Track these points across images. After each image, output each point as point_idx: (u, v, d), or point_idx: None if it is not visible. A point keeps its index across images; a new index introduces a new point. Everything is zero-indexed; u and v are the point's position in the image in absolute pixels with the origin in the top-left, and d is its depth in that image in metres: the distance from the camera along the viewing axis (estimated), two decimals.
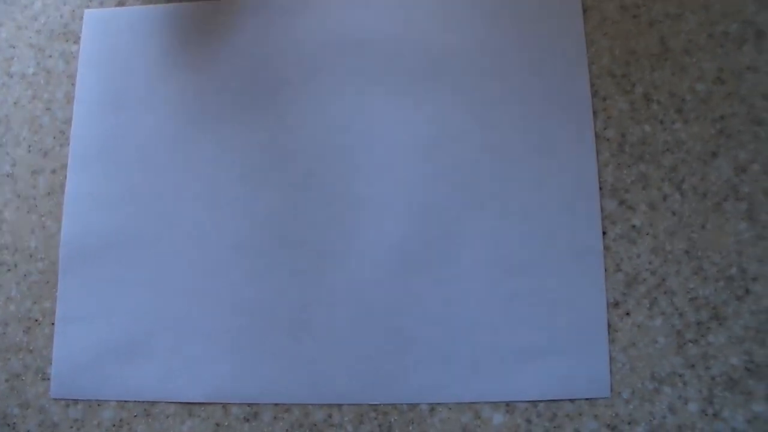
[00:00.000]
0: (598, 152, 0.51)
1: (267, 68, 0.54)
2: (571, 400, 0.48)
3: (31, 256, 0.53)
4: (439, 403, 0.48)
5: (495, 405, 0.48)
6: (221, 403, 0.49)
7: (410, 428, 0.48)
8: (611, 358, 0.48)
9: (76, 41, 0.56)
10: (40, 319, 0.52)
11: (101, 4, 0.57)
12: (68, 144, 0.54)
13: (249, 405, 0.49)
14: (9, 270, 0.53)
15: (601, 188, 0.51)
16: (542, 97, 0.52)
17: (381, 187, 0.51)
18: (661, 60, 0.52)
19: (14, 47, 0.56)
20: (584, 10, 0.53)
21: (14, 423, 0.50)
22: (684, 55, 0.52)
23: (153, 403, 0.50)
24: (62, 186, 0.54)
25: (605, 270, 0.49)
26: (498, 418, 0.48)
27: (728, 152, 0.50)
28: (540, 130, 0.51)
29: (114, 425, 0.50)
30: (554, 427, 0.48)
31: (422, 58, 0.53)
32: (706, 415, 0.47)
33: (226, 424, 0.49)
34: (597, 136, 0.51)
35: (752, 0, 0.52)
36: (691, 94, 0.51)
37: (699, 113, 0.51)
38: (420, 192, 0.51)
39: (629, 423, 0.47)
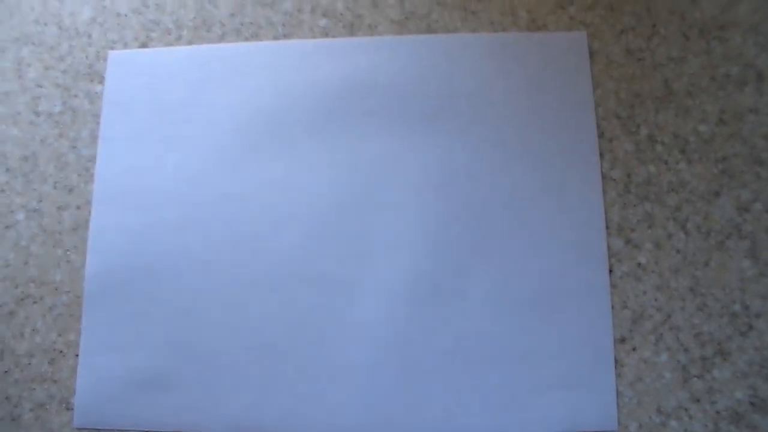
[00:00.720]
0: (604, 192, 0.53)
1: (286, 109, 0.55)
2: None
3: (56, 289, 0.54)
4: None
5: None
6: None
7: None
8: (618, 393, 0.50)
9: (101, 81, 0.58)
10: (65, 350, 0.53)
11: (125, 46, 0.59)
12: (93, 181, 0.56)
13: None
14: (35, 302, 0.54)
15: (607, 227, 0.52)
16: (550, 138, 0.54)
17: (394, 224, 0.53)
18: (665, 102, 0.54)
19: (41, 87, 0.58)
20: (591, 54, 0.55)
21: None
22: (687, 98, 0.54)
23: None
24: (87, 221, 0.55)
25: (612, 307, 0.51)
26: None
27: (731, 192, 0.52)
28: (548, 170, 0.53)
29: None
30: None
31: (435, 102, 0.55)
32: None
33: None
34: (603, 176, 0.53)
35: (753, 44, 0.54)
36: (694, 135, 0.53)
37: (702, 154, 0.53)
38: (432, 230, 0.53)
39: None
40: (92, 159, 0.57)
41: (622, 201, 0.53)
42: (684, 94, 0.54)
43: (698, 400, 0.49)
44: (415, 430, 0.50)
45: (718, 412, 0.49)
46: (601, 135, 0.54)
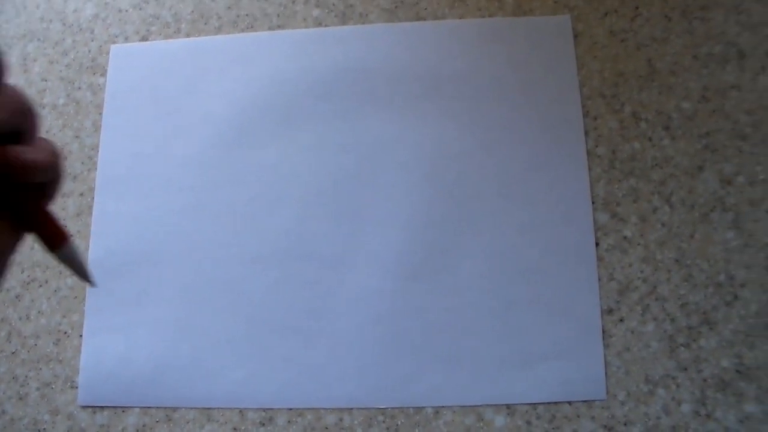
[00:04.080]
0: (590, 168, 0.54)
1: (281, 96, 0.57)
2: (569, 402, 0.50)
3: (60, 272, 0.56)
4: (443, 407, 0.51)
5: (497, 407, 0.51)
6: (238, 409, 0.52)
7: (416, 431, 0.51)
8: (606, 362, 0.51)
9: (103, 74, 0.60)
10: (69, 331, 0.55)
11: (126, 40, 0.61)
12: (96, 169, 0.58)
13: (264, 410, 0.52)
14: (40, 286, 0.56)
15: (593, 202, 0.53)
16: (537, 118, 0.55)
17: (386, 202, 0.54)
18: (649, 81, 0.55)
19: (46, 80, 0.61)
20: (575, 36, 0.57)
21: (44, 429, 0.53)
22: (670, 76, 0.55)
23: (174, 408, 0.53)
24: (90, 208, 0.57)
25: (599, 279, 0.52)
26: (500, 420, 0.50)
27: (714, 166, 0.53)
28: (535, 148, 0.54)
29: (138, 430, 0.53)
30: (553, 428, 0.50)
31: (424, 84, 0.56)
32: (699, 415, 0.49)
33: (243, 428, 0.52)
34: (589, 153, 0.54)
35: (734, 22, 0.55)
36: (677, 112, 0.54)
37: (685, 130, 0.54)
38: (423, 207, 0.54)
39: (625, 424, 0.49)
40: (95, 148, 0.59)
41: (608, 176, 0.54)
42: (667, 72, 0.55)
43: (685, 369, 0.50)
44: (408, 401, 0.51)
45: (704, 380, 0.50)
46: (586, 114, 0.55)
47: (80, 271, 0.40)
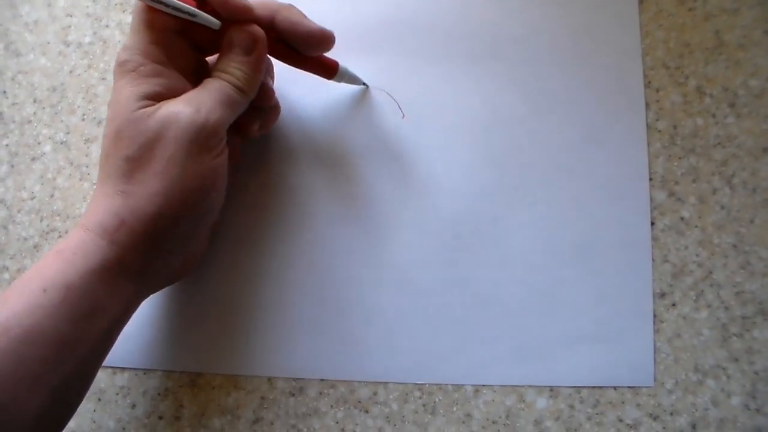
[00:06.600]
0: (649, 143, 0.51)
1: None
2: (615, 388, 0.48)
3: None
4: (483, 385, 0.49)
5: (539, 389, 0.49)
6: (267, 377, 0.50)
7: (454, 409, 0.49)
8: (656, 348, 0.49)
9: (132, 12, 0.56)
10: None
11: None
12: None
13: (294, 380, 0.50)
14: (60, 236, 0.53)
15: (651, 179, 0.51)
16: (596, 87, 0.52)
17: (434, 167, 0.51)
18: (716, 54, 0.52)
19: (71, 16, 0.57)
20: (640, 2, 0.53)
21: None
22: (739, 50, 0.52)
23: (199, 374, 0.50)
24: None
25: (653, 260, 0.50)
26: (542, 402, 0.48)
27: None
28: (593, 119, 0.52)
29: (159, 394, 0.50)
30: (597, 413, 0.48)
31: (479, 44, 0.53)
32: (749, 409, 0.47)
33: (272, 397, 0.50)
34: (649, 127, 0.51)
35: None
36: (744, 89, 0.51)
37: (752, 109, 0.51)
38: (472, 174, 0.51)
39: (671, 413, 0.48)
40: None
41: (667, 153, 0.51)
42: (735, 46, 0.52)
43: (737, 360, 0.48)
44: (447, 378, 0.49)
45: (756, 373, 0.48)
46: (648, 85, 0.52)
47: (358, 82, 0.52)
